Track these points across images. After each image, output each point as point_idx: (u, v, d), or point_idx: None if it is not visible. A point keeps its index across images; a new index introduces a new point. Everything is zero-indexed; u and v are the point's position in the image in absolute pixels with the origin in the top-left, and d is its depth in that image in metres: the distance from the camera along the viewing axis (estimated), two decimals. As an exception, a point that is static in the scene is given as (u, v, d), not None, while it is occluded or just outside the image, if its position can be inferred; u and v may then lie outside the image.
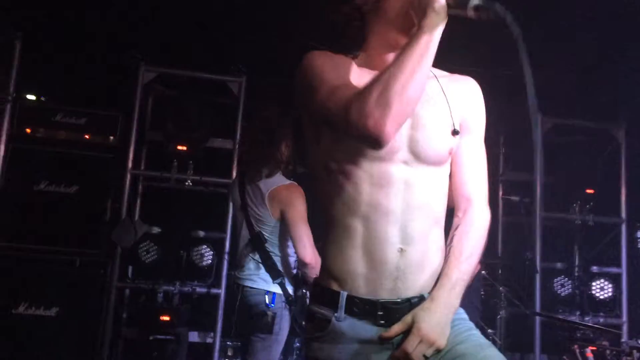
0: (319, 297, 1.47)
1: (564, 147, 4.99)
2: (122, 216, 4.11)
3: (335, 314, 1.40)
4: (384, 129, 1.22)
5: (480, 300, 4.32)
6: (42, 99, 4.73)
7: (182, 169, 4.33)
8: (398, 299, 1.39)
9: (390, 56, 1.44)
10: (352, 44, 1.54)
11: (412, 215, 1.40)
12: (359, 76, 1.43)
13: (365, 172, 1.40)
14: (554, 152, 4.91)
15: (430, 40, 1.26)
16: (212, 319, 4.16)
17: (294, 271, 2.97)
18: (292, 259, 2.98)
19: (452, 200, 1.54)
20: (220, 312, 4.13)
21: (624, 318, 4.57)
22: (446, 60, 1.48)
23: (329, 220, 1.47)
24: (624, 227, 4.78)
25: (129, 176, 4.27)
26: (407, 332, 1.36)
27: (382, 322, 1.39)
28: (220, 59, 4.49)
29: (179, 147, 4.30)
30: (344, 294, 1.40)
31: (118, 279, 4.11)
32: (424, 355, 1.34)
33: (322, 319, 1.42)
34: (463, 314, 1.48)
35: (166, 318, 3.93)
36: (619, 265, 4.72)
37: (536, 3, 3.56)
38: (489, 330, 3.84)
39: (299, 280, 2.97)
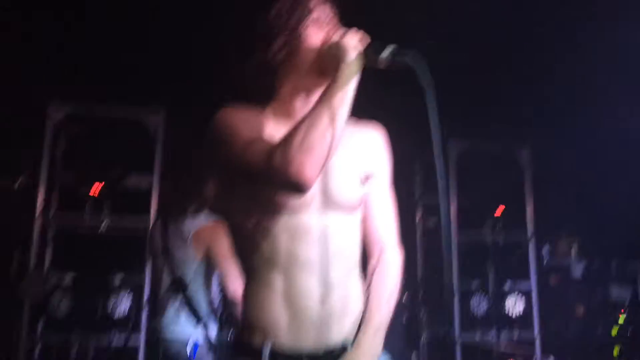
0: (240, 352, 1.46)
1: (474, 169, 5.26)
2: (30, 265, 3.87)
3: None
4: (306, 174, 1.26)
5: (403, 325, 4.44)
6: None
7: (97, 212, 4.15)
8: (321, 349, 1.41)
9: (304, 104, 1.48)
10: (264, 95, 1.56)
11: (330, 263, 1.43)
12: (273, 126, 1.46)
13: (283, 225, 1.42)
14: (464, 175, 5.16)
15: (346, 89, 1.32)
16: (131, 374, 4.00)
17: (218, 316, 2.94)
18: (217, 301, 2.94)
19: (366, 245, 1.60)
20: (140, 364, 3.98)
21: (536, 332, 4.84)
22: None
23: (249, 273, 1.48)
24: (531, 245, 5.07)
25: (38, 222, 4.04)
26: None
27: None
28: (137, 95, 4.38)
29: (93, 189, 4.13)
30: (267, 348, 1.40)
31: (26, 335, 3.84)
32: None
33: None
34: (383, 356, 1.52)
35: (81, 373, 3.73)
36: (528, 281, 5.00)
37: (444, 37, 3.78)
38: (412, 356, 3.94)
39: (223, 323, 2.93)
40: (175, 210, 2.97)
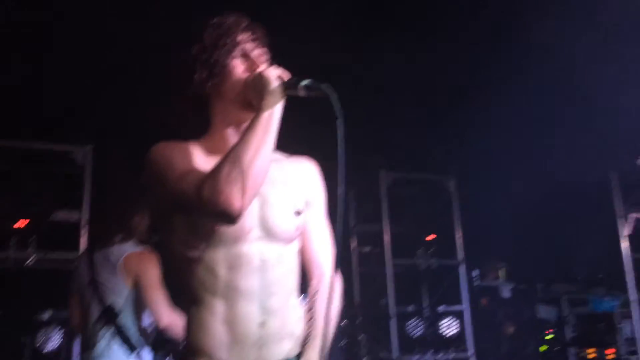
0: None
1: (405, 198, 5.45)
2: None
3: None
4: (234, 204, 1.29)
5: (342, 349, 4.45)
6: None
7: (22, 247, 3.98)
8: None
9: (235, 135, 1.52)
10: (197, 126, 1.59)
11: (269, 290, 1.47)
12: (206, 158, 1.49)
13: (222, 256, 1.45)
14: (396, 203, 5.33)
15: (270, 118, 1.37)
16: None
17: (151, 343, 2.87)
18: (151, 326, 2.88)
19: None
20: (73, 402, 3.78)
21: (470, 352, 4.98)
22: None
23: (190, 299, 1.49)
24: (461, 268, 5.26)
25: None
26: None
27: None
28: (62, 127, 4.29)
29: (19, 224, 3.97)
30: None
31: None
32: None
33: None
34: None
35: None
36: (460, 303, 5.16)
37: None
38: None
39: (158, 346, 2.87)
40: (102, 239, 2.92)
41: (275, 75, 1.40)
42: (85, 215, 4.15)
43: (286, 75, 1.41)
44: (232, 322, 1.43)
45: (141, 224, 2.94)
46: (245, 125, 1.43)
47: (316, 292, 1.60)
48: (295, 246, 1.59)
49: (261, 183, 1.36)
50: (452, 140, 5.15)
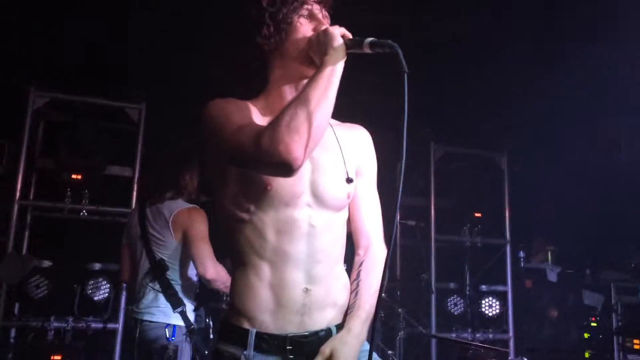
0: (227, 335, 1.48)
1: (454, 173, 5.34)
2: (8, 250, 3.82)
3: (245, 352, 1.42)
4: (294, 154, 1.28)
5: (380, 322, 4.46)
6: None
7: (76, 199, 4.12)
8: (306, 332, 1.44)
9: (293, 93, 1.51)
10: (254, 83, 1.59)
11: (315, 258, 1.47)
12: (263, 114, 1.50)
13: (271, 219, 1.45)
14: (445, 178, 5.23)
15: (333, 73, 1.36)
16: (109, 356, 3.95)
17: (195, 302, 2.95)
18: (195, 283, 2.97)
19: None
20: (118, 347, 3.94)
21: (511, 333, 4.91)
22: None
23: (237, 260, 1.50)
24: (508, 248, 5.15)
25: (16, 206, 4.00)
26: None
27: (292, 356, 1.43)
28: (119, 84, 4.37)
29: (74, 176, 4.10)
30: (253, 332, 1.43)
31: (3, 317, 3.80)
32: None
33: (231, 358, 1.44)
34: (366, 345, 1.54)
35: (57, 357, 3.68)
36: (505, 283, 5.07)
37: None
38: (389, 352, 3.96)
39: (201, 309, 2.95)
40: (154, 196, 2.99)
41: (340, 32, 1.41)
42: (137, 172, 4.25)
43: (349, 35, 1.42)
44: (277, 287, 1.44)
45: (191, 183, 3.00)
46: (304, 82, 1.43)
47: (362, 262, 1.59)
48: (344, 214, 1.58)
49: (320, 136, 1.35)
50: (506, 116, 5.00)
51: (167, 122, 4.50)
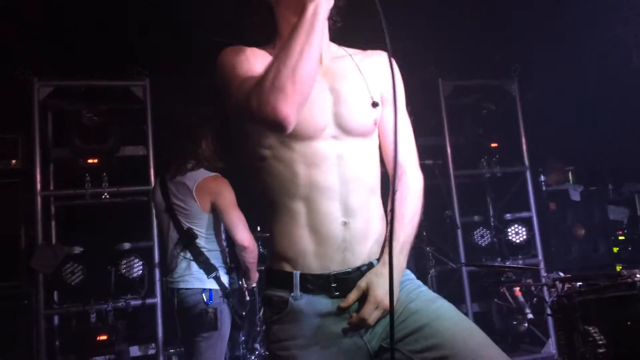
0: (273, 280, 1.51)
1: (465, 107, 5.27)
2: (38, 241, 3.91)
3: (292, 294, 1.45)
4: (282, 113, 1.27)
5: (414, 263, 4.52)
6: None
7: (96, 183, 4.16)
8: (349, 269, 1.46)
9: None
10: (265, 36, 1.58)
11: (349, 188, 1.47)
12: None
13: (298, 154, 1.44)
14: (457, 113, 5.17)
15: (315, 17, 1.32)
16: (152, 330, 4.07)
17: (228, 264, 3.01)
18: (226, 249, 3.01)
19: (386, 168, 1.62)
20: (159, 321, 4.05)
21: (540, 256, 4.95)
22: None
23: (271, 205, 1.50)
24: (528, 174, 5.13)
25: (39, 198, 4.05)
26: (362, 300, 1.43)
27: (337, 293, 1.45)
28: (120, 63, 4.34)
29: (90, 161, 4.13)
30: (297, 273, 1.45)
31: (45, 307, 3.92)
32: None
33: (280, 301, 1.47)
34: (409, 274, 1.56)
35: (103, 337, 3.80)
36: (528, 209, 5.07)
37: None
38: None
39: (233, 272, 3.00)
40: (174, 168, 3.01)
41: None
42: (151, 149, 4.26)
43: None
44: (314, 224, 1.44)
45: (208, 150, 3.00)
46: None
47: (396, 191, 1.55)
48: (374, 141, 1.56)
49: (310, 88, 1.33)
50: (511, 41, 4.89)
51: (173, 94, 4.48)
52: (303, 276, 1.45)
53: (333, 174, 1.45)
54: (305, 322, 1.44)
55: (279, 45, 1.53)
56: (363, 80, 1.53)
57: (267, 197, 1.50)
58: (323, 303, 1.45)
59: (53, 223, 4.34)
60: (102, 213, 4.21)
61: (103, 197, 4.18)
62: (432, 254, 4.35)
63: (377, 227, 1.52)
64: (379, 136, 1.60)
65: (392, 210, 1.48)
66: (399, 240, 1.49)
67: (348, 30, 1.53)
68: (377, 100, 1.53)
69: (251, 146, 1.49)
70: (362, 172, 1.50)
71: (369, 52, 1.63)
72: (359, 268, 1.47)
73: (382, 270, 1.44)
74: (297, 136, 1.43)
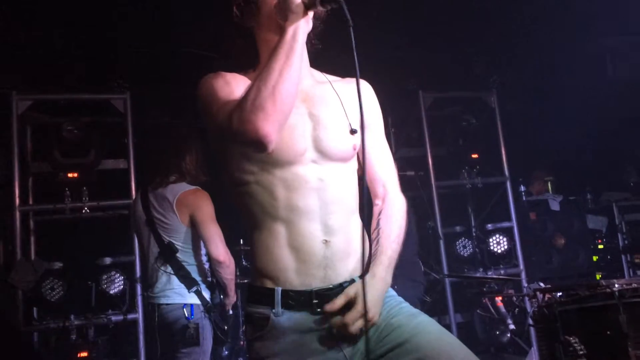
0: (255, 296, 1.52)
1: (446, 119, 5.33)
2: (17, 257, 3.84)
3: (273, 310, 1.46)
4: (262, 131, 1.31)
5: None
6: None
7: (76, 197, 4.11)
8: (330, 285, 1.47)
9: None
10: (246, 62, 1.61)
11: (329, 209, 1.49)
12: None
13: (278, 178, 1.47)
14: (437, 125, 5.22)
15: (295, 39, 1.37)
16: (133, 346, 4.01)
17: (209, 279, 2.98)
18: (206, 265, 2.99)
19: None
20: (141, 336, 3.99)
21: (521, 266, 4.99)
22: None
23: (252, 225, 1.52)
24: (508, 184, 5.18)
25: (17, 213, 3.99)
26: (347, 309, 1.44)
27: (319, 310, 1.46)
28: (100, 76, 4.31)
29: (70, 175, 4.09)
30: (279, 290, 1.46)
31: (24, 324, 3.84)
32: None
33: (261, 318, 1.48)
34: (391, 291, 1.58)
35: (84, 354, 3.75)
36: (509, 219, 5.12)
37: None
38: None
39: (214, 286, 2.98)
40: (156, 181, 2.99)
41: None
42: (132, 162, 4.23)
43: None
44: (295, 244, 1.46)
45: (192, 164, 2.99)
46: None
47: (381, 211, 1.61)
48: (353, 164, 1.60)
49: (290, 107, 1.36)
50: (490, 53, 4.97)
51: (154, 107, 4.47)
52: (285, 292, 1.46)
53: (313, 197, 1.48)
54: (286, 338, 1.45)
55: (259, 69, 1.54)
56: (342, 107, 1.56)
57: (249, 217, 1.52)
58: (304, 319, 1.46)
59: (32, 238, 4.28)
60: (83, 227, 4.15)
61: (83, 211, 4.13)
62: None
63: (358, 245, 1.54)
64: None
65: (378, 228, 1.54)
66: (387, 255, 1.53)
67: (323, 53, 1.55)
68: (355, 127, 1.56)
69: (233, 170, 1.51)
70: (342, 195, 1.53)
71: (348, 79, 1.66)
72: (340, 284, 1.48)
73: (371, 281, 1.46)
74: (277, 161, 1.46)
